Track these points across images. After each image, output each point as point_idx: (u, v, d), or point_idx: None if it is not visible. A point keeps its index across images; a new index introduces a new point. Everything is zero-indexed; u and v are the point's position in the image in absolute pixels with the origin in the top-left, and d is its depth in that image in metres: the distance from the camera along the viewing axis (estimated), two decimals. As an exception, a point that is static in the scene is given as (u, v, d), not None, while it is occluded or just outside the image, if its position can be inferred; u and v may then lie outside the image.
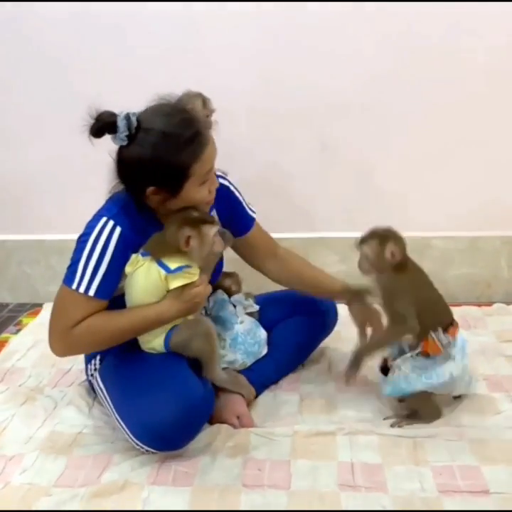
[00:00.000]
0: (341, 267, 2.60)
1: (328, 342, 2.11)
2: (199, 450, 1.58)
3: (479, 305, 2.50)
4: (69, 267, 1.55)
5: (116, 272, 1.54)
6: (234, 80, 2.23)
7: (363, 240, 1.68)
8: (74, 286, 1.51)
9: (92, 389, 1.82)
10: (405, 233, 2.55)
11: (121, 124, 1.43)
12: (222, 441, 1.61)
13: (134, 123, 1.45)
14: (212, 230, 1.55)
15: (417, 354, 1.63)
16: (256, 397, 1.83)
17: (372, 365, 1.76)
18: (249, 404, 1.78)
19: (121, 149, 1.50)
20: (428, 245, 2.56)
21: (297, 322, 1.95)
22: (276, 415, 1.76)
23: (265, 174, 2.48)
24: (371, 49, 2.33)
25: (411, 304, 1.61)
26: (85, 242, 1.52)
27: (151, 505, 1.41)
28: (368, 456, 1.54)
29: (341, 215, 2.58)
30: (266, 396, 1.85)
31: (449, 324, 1.65)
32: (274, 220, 2.54)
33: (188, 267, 1.53)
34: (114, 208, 1.56)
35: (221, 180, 1.71)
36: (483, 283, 2.60)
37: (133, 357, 1.66)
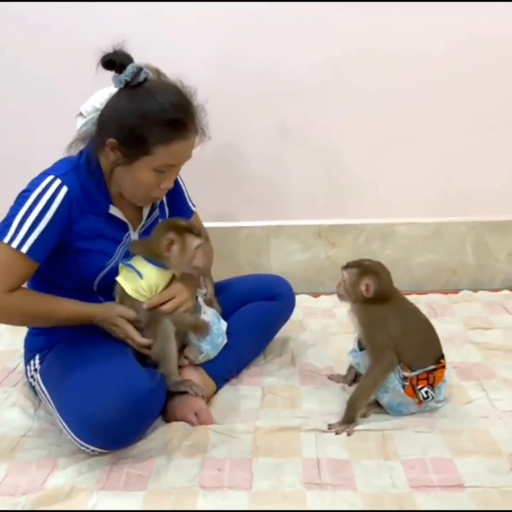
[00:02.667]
0: (304, 256, 2.52)
1: (290, 332, 2.04)
2: (154, 450, 1.47)
3: (445, 292, 2.44)
4: (3, 221, 1.47)
5: (53, 234, 1.48)
6: (193, 62, 2.13)
7: (346, 266, 1.64)
8: (6, 240, 1.43)
9: (33, 391, 1.70)
10: (369, 219, 2.51)
11: (130, 69, 1.45)
12: (178, 439, 1.50)
13: (141, 77, 1.47)
14: (195, 241, 1.59)
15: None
16: (216, 391, 1.73)
17: (340, 354, 1.67)
18: (208, 399, 1.67)
19: (114, 96, 1.50)
20: (392, 231, 2.49)
21: (253, 309, 1.87)
22: (237, 411, 1.66)
23: (224, 160, 2.37)
24: (335, 31, 2.24)
25: (388, 335, 1.55)
26: (26, 197, 1.46)
27: (100, 512, 1.29)
28: (334, 452, 1.45)
29: (303, 202, 2.49)
30: (226, 391, 1.75)
31: (438, 358, 1.59)
32: (234, 208, 2.46)
33: (164, 267, 1.56)
34: (64, 168, 1.52)
35: None
36: (449, 270, 2.54)
37: (73, 353, 1.55)
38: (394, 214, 2.49)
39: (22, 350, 1.86)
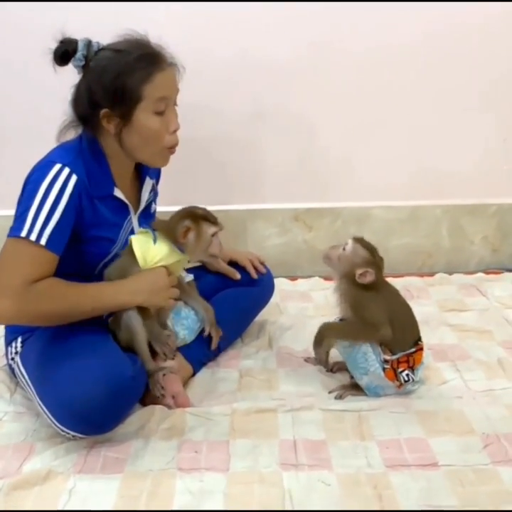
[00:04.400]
0: (280, 240, 2.52)
1: (267, 315, 2.04)
2: (131, 434, 1.47)
3: (421, 275, 2.46)
4: (17, 218, 1.44)
5: (68, 223, 1.45)
6: (169, 43, 2.12)
7: (356, 241, 1.60)
8: (23, 234, 1.39)
9: (13, 374, 1.68)
10: (345, 203, 2.51)
11: (81, 44, 1.47)
12: (156, 423, 1.50)
13: (94, 47, 1.48)
14: (211, 229, 1.59)
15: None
16: (193, 375, 1.73)
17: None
18: (185, 383, 1.68)
19: (80, 81, 1.51)
20: (369, 215, 2.50)
21: (232, 294, 1.88)
22: (214, 394, 1.66)
23: (200, 144, 2.35)
24: (310, 16, 2.22)
25: (381, 311, 1.56)
26: (36, 189, 1.43)
27: (78, 495, 1.28)
28: (310, 433, 1.46)
29: (280, 185, 2.49)
30: (203, 374, 1.75)
31: (416, 341, 1.61)
32: (209, 191, 2.45)
33: (181, 250, 1.58)
34: (68, 155, 1.49)
35: None
36: (425, 253, 2.56)
37: (56, 338, 1.52)
38: (370, 197, 2.49)
39: (0, 334, 1.85)
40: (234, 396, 1.65)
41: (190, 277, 1.78)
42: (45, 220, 1.41)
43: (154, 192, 1.77)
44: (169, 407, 1.56)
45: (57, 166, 1.45)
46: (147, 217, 1.72)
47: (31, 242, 1.40)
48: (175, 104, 1.56)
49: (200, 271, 1.88)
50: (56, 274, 1.48)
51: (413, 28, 2.25)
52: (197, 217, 1.58)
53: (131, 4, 2.15)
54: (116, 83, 1.45)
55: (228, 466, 1.36)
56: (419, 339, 1.62)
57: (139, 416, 1.52)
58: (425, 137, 2.41)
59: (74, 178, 1.45)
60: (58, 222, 1.42)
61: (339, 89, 2.33)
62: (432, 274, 2.47)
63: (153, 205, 1.77)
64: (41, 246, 1.40)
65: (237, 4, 2.19)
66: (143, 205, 1.69)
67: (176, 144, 1.58)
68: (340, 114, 2.37)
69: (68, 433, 1.40)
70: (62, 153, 1.51)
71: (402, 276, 2.42)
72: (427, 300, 2.23)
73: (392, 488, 1.27)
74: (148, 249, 1.55)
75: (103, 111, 1.47)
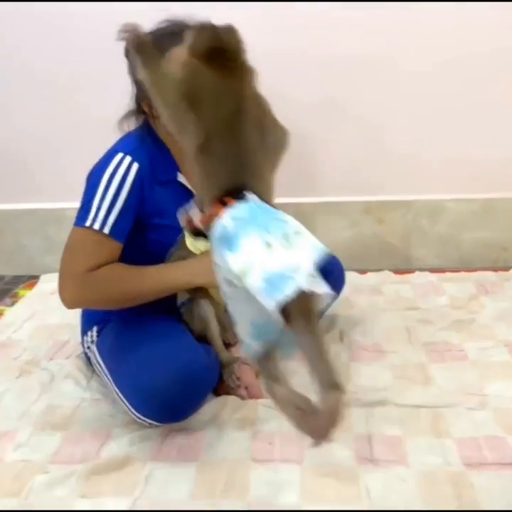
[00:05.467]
0: (349, 233, 2.50)
1: (337, 309, 2.02)
2: (204, 423, 1.48)
3: (495, 270, 2.39)
4: (81, 208, 1.48)
5: (131, 212, 1.48)
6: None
7: None
8: (88, 224, 1.44)
9: (89, 362, 1.73)
10: (417, 196, 2.46)
11: None
12: (228, 413, 1.51)
13: None
14: None
15: None
16: (264, 367, 1.73)
17: (389, 331, 1.65)
18: (257, 374, 1.68)
19: None
20: (441, 208, 2.44)
21: None
22: (286, 386, 1.66)
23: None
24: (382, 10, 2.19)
25: None
26: (99, 179, 1.46)
27: (154, 482, 1.31)
28: (385, 428, 1.44)
29: (350, 178, 2.45)
30: (275, 366, 1.75)
31: None
32: (278, 184, 2.43)
33: None
34: (130, 144, 1.53)
35: None
36: (499, 247, 2.48)
37: (132, 327, 1.56)
38: (443, 190, 2.44)
39: (74, 324, 1.90)
40: (306, 389, 1.64)
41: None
42: (107, 209, 1.44)
43: None
44: (242, 397, 1.57)
45: (119, 155, 1.48)
46: None
47: (95, 231, 1.44)
48: None
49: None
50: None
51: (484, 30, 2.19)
52: None
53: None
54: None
55: (302, 458, 1.35)
56: None
57: (212, 405, 1.53)
58: (500, 128, 2.33)
59: (135, 166, 1.48)
60: (121, 210, 1.45)
61: (411, 81, 2.28)
62: (507, 269, 2.38)
63: None
64: (104, 234, 1.44)
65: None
66: None
67: None
68: (412, 105, 2.32)
69: (144, 420, 1.43)
70: (125, 143, 1.54)
71: (475, 270, 2.36)
72: (501, 295, 2.15)
73: (473, 487, 1.24)
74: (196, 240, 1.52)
75: (144, 103, 1.51)
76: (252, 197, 1.08)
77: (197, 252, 1.53)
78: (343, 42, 2.23)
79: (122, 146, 1.52)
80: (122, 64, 1.51)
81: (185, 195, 1.60)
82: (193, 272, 1.51)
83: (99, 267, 1.45)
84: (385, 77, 2.29)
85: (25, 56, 2.34)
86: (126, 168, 1.47)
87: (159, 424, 1.44)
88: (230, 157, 1.12)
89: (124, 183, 1.46)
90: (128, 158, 1.48)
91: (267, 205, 1.09)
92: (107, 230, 1.44)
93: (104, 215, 1.44)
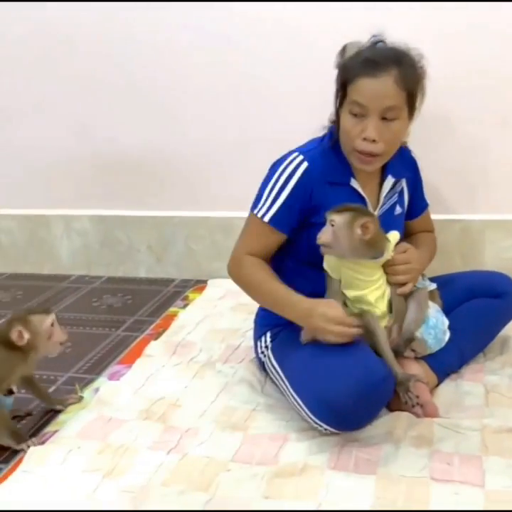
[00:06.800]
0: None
1: (510, 331, 1.94)
2: (379, 436, 1.49)
3: None
4: (256, 197, 1.67)
5: (294, 205, 1.61)
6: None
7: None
8: (255, 211, 1.64)
9: (262, 367, 1.79)
10: None
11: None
12: (403, 429, 1.51)
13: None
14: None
15: None
16: (437, 385, 1.72)
17: None
18: (430, 392, 1.66)
19: None
20: None
21: (477, 305, 1.81)
22: (460, 406, 1.63)
23: (442, 149, 2.32)
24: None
25: None
26: (272, 173, 1.64)
27: (334, 490, 1.34)
28: None
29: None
30: (447, 385, 1.73)
31: None
32: (450, 200, 2.40)
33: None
34: (308, 146, 1.67)
35: (412, 154, 1.82)
36: None
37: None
38: None
39: (244, 329, 1.98)
40: (481, 411, 1.61)
41: (433, 286, 1.77)
42: (273, 200, 1.61)
43: (400, 193, 1.75)
44: (417, 415, 1.56)
45: (294, 155, 1.63)
46: (391, 220, 1.70)
47: (259, 218, 1.62)
48: (386, 118, 1.52)
49: (441, 281, 1.84)
50: (290, 261, 1.67)
51: None
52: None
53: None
54: (339, 79, 1.58)
55: (483, 481, 1.33)
56: None
57: (386, 420, 1.54)
58: None
59: (304, 165, 1.60)
60: (284, 202, 1.60)
61: None
62: None
63: (397, 207, 1.75)
64: (265, 223, 1.61)
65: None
66: (381, 202, 1.69)
67: (365, 152, 1.54)
68: None
69: (322, 426, 1.47)
70: (306, 144, 1.68)
71: None
72: None
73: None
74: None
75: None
76: None
77: (328, 269, 1.58)
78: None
79: (302, 147, 1.66)
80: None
81: (356, 199, 1.64)
82: (307, 315, 1.53)
83: (257, 253, 1.64)
84: None
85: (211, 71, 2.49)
86: (295, 166, 1.60)
87: (336, 431, 1.48)
88: None
89: (291, 179, 1.59)
90: (299, 157, 1.61)
91: None
92: (267, 218, 1.61)
93: (268, 205, 1.61)
